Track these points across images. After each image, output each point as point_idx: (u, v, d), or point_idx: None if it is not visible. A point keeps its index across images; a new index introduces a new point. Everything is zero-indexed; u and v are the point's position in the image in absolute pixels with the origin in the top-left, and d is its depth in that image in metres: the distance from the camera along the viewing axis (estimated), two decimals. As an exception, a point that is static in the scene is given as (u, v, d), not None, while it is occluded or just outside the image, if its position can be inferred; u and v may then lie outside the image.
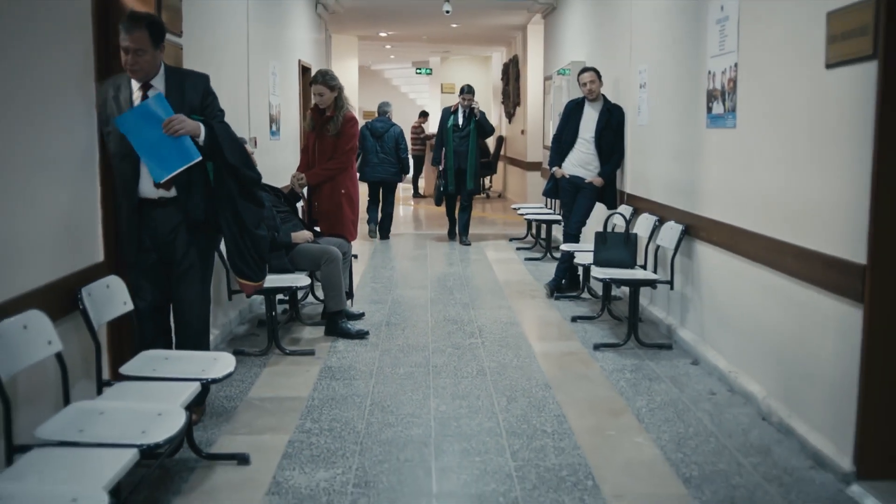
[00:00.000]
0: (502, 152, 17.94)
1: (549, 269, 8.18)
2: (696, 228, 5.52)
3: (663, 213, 6.17)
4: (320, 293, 7.00)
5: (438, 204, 10.91)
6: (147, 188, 3.85)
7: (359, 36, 16.49)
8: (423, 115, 19.34)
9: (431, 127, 19.60)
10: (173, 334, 4.14)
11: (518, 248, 10.48)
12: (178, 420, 2.92)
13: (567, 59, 10.34)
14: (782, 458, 3.86)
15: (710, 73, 5.26)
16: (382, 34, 16.49)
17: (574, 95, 9.05)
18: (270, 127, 7.81)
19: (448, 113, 10.48)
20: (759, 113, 4.56)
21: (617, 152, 7.34)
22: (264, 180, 5.00)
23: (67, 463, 2.61)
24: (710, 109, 5.27)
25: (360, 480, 3.61)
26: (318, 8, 11.48)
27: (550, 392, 4.82)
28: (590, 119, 7.34)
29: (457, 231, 10.93)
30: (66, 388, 3.09)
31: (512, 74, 16.89)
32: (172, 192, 3.88)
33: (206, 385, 3.53)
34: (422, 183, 18.37)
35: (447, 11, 11.88)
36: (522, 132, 15.34)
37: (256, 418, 4.38)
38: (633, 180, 7.25)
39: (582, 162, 7.38)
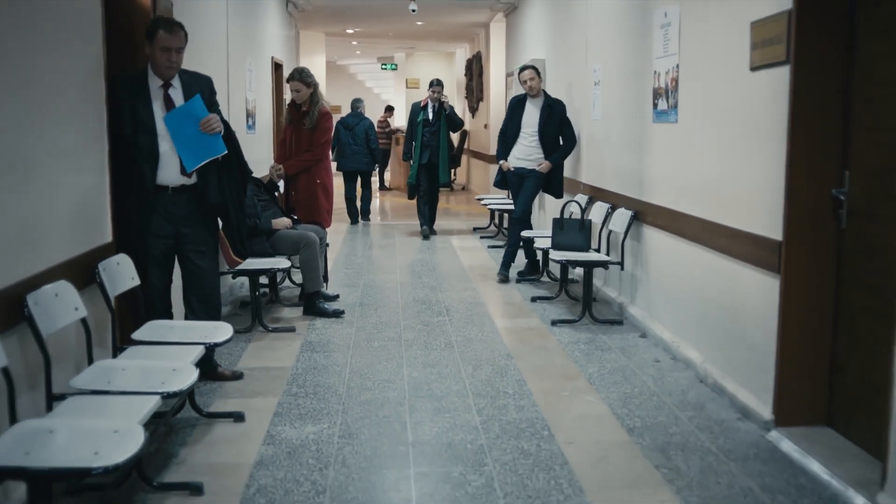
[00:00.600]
0: (466, 146, 18.45)
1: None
2: (643, 214, 6.07)
3: (615, 201, 6.72)
4: (297, 278, 7.48)
5: (412, 198, 10.97)
6: (170, 176, 4.34)
7: (326, 32, 16.88)
8: (389, 109, 19.81)
9: (397, 121, 20.08)
10: (189, 307, 4.64)
11: (482, 237, 11.00)
12: (191, 374, 3.39)
13: (528, 57, 10.85)
14: (714, 412, 4.41)
15: (655, 72, 5.80)
16: (349, 31, 16.91)
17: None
18: (247, 121, 8.24)
19: (418, 108, 10.67)
20: (696, 109, 5.11)
21: (567, 141, 7.80)
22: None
23: (102, 407, 3.07)
24: (655, 105, 5.81)
25: (344, 433, 4.10)
26: (288, 6, 11.89)
27: (512, 361, 5.34)
28: (531, 114, 7.82)
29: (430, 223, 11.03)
30: (90, 348, 3.54)
31: (475, 70, 17.39)
32: (192, 180, 4.36)
33: (210, 348, 3.98)
34: (388, 176, 18.85)
35: (413, 10, 12.34)
36: (486, 126, 15.85)
37: (247, 385, 4.85)
38: (588, 171, 7.79)
39: (525, 154, 7.86)
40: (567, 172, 8.27)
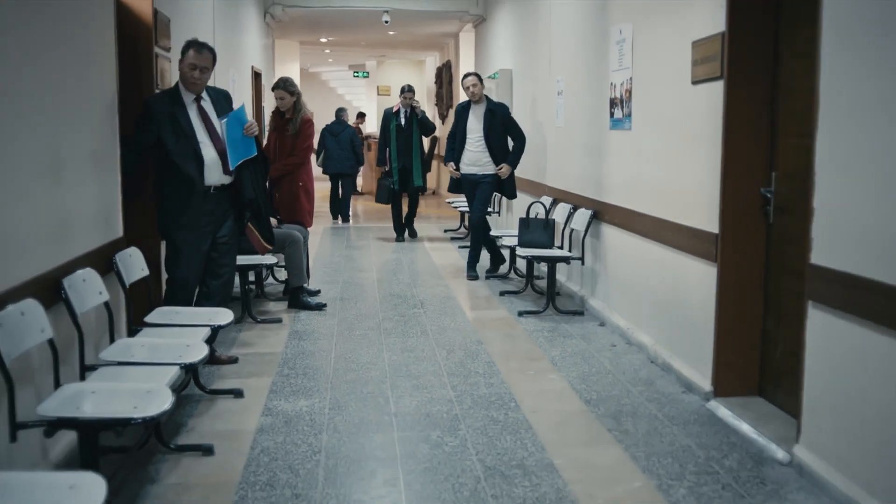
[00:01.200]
0: (436, 151, 18.98)
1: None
2: (602, 213, 6.63)
3: (577, 202, 7.29)
4: (279, 275, 7.96)
5: (387, 202, 11.13)
6: (213, 177, 4.91)
7: (300, 41, 17.36)
8: (361, 116, 20.30)
9: (368, 127, 20.58)
10: (207, 289, 5.18)
11: (452, 238, 11.53)
12: (202, 349, 3.88)
13: (496, 67, 11.42)
14: (662, 387, 4.97)
15: (612, 84, 6.37)
16: (323, 39, 17.40)
17: (502, 98, 10.17)
18: (231, 127, 8.71)
19: (390, 114, 10.83)
20: (647, 118, 5.68)
21: (517, 141, 8.26)
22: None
23: (130, 375, 3.56)
24: (612, 114, 6.38)
25: (334, 405, 4.60)
26: (266, 17, 12.37)
27: (482, 346, 5.87)
28: (475, 120, 8.30)
29: (403, 227, 11.30)
30: (112, 328, 4.02)
31: (445, 78, 17.94)
32: (230, 179, 4.96)
33: (215, 329, 4.46)
34: (360, 181, 19.34)
35: (386, 21, 12.87)
36: (455, 132, 16.36)
37: (242, 368, 5.33)
38: (552, 174, 8.35)
39: (473, 160, 8.33)
40: (532, 176, 8.84)
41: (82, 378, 3.64)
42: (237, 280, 6.69)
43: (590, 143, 7.00)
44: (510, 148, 8.36)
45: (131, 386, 3.32)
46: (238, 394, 4.74)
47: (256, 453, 3.92)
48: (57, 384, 3.33)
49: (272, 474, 3.69)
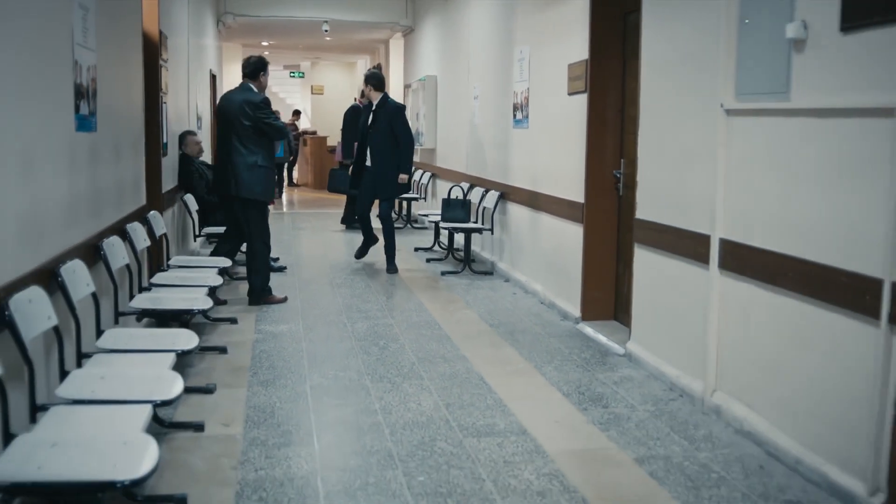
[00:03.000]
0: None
1: (409, 237, 11.01)
2: (508, 194, 8.42)
3: (488, 185, 9.07)
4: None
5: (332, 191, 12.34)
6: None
7: (243, 44, 18.80)
8: (296, 113, 21.81)
9: (303, 124, 22.10)
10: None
11: (385, 222, 13.20)
12: (219, 279, 5.53)
13: (424, 72, 13.15)
14: (547, 317, 6.78)
15: (515, 92, 8.16)
16: (264, 43, 18.89)
17: (427, 100, 11.89)
18: (198, 122, 10.25)
19: (358, 110, 11.43)
20: (539, 119, 7.48)
21: (402, 146, 8.52)
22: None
23: (178, 291, 5.18)
24: (515, 116, 8.17)
25: (306, 328, 6.28)
26: (219, 25, 13.87)
27: (413, 294, 7.61)
28: (373, 117, 8.63)
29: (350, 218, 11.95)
30: (151, 264, 5.63)
31: (375, 80, 19.59)
32: None
33: (222, 269, 6.09)
34: (296, 174, 20.90)
35: (326, 30, 14.48)
36: (385, 130, 18.04)
37: (229, 308, 6.94)
38: (470, 164, 10.13)
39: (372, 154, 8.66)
40: (454, 166, 10.59)
41: (140, 292, 5.25)
42: (215, 246, 8.28)
43: (498, 138, 8.78)
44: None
45: (184, 295, 4.97)
46: (233, 321, 6.37)
47: (257, 352, 5.58)
48: (131, 295, 4.94)
49: (272, 362, 5.36)
